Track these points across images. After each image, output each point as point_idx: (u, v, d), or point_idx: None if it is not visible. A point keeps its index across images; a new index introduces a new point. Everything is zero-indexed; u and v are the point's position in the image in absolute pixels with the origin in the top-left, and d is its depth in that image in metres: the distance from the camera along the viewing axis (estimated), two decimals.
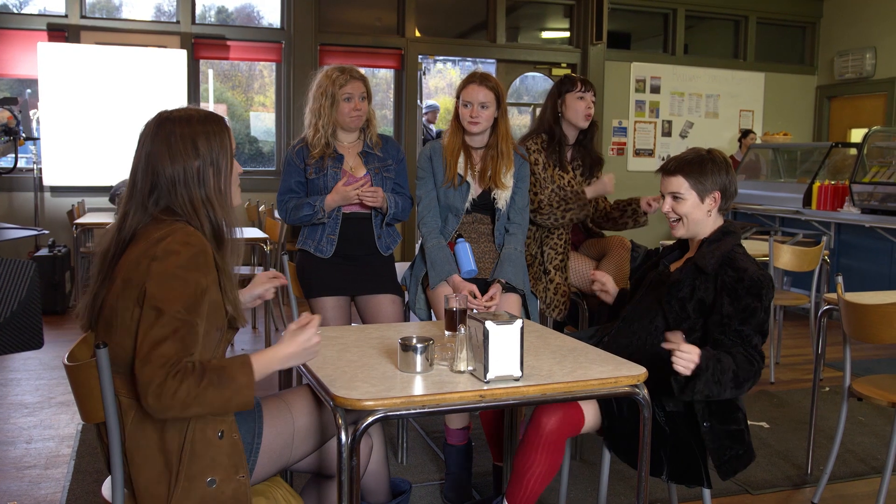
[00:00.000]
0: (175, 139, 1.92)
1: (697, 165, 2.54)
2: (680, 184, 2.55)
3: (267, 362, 1.90)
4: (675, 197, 2.57)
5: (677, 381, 2.30)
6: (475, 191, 3.37)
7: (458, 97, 3.35)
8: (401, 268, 3.60)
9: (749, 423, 4.11)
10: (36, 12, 7.98)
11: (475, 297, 3.17)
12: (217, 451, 1.89)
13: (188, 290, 1.80)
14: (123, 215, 1.95)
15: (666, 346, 2.26)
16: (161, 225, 1.90)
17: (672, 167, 2.58)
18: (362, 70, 3.41)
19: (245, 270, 6.05)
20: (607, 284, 2.93)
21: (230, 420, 1.93)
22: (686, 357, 2.23)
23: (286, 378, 2.65)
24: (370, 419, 1.85)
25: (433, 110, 9.36)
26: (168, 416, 1.80)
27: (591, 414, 2.45)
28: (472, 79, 3.32)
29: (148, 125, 1.98)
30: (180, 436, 1.86)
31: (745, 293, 2.39)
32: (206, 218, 1.94)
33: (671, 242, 2.89)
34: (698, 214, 2.56)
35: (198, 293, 1.82)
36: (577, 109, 3.63)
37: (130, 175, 1.98)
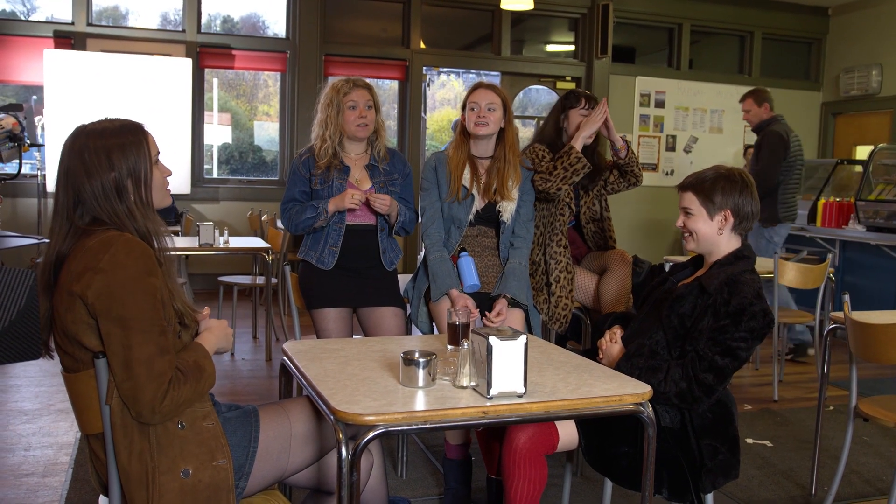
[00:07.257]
0: (89, 153, 1.92)
1: (709, 183, 2.55)
2: (690, 200, 2.57)
3: (208, 348, 2.05)
4: (687, 212, 2.60)
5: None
6: (479, 203, 3.35)
7: (464, 107, 3.34)
8: (403, 280, 3.58)
9: (752, 441, 4.08)
10: (43, 19, 8.00)
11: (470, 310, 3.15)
12: (183, 441, 1.90)
13: (149, 300, 1.83)
14: (52, 232, 1.96)
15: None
16: (92, 235, 1.89)
17: (685, 183, 2.62)
18: (368, 80, 3.40)
19: (247, 280, 6.02)
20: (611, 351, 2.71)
21: (190, 410, 1.94)
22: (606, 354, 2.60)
23: (286, 390, 2.63)
24: (371, 434, 1.82)
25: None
26: (165, 421, 1.88)
27: (566, 432, 2.45)
28: (480, 85, 3.34)
29: (66, 140, 1.98)
30: (145, 435, 1.88)
31: (725, 314, 2.39)
32: (132, 227, 1.94)
33: (676, 259, 2.87)
34: (708, 231, 2.56)
35: (157, 297, 1.85)
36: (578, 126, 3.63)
37: (54, 191, 1.99)
